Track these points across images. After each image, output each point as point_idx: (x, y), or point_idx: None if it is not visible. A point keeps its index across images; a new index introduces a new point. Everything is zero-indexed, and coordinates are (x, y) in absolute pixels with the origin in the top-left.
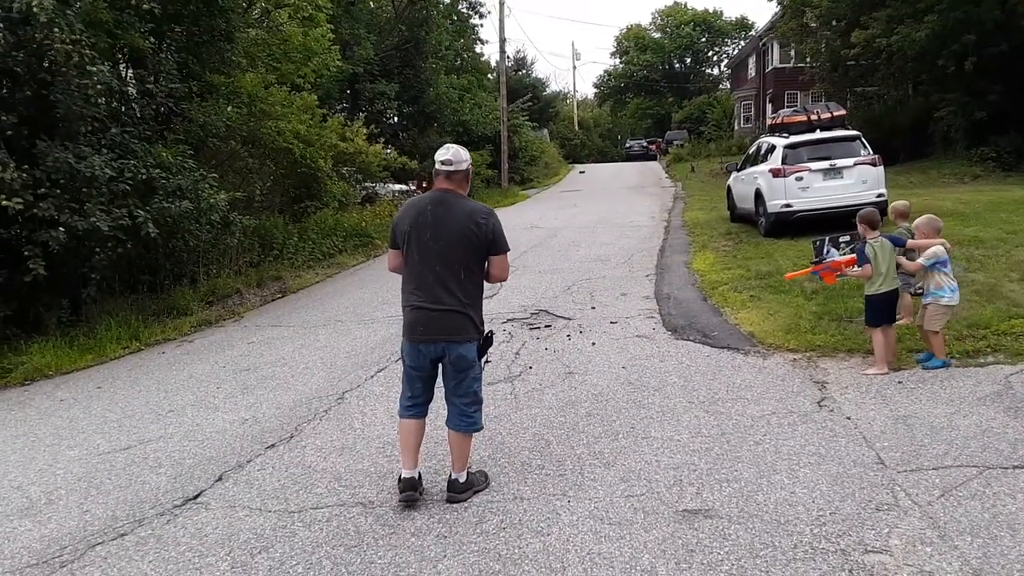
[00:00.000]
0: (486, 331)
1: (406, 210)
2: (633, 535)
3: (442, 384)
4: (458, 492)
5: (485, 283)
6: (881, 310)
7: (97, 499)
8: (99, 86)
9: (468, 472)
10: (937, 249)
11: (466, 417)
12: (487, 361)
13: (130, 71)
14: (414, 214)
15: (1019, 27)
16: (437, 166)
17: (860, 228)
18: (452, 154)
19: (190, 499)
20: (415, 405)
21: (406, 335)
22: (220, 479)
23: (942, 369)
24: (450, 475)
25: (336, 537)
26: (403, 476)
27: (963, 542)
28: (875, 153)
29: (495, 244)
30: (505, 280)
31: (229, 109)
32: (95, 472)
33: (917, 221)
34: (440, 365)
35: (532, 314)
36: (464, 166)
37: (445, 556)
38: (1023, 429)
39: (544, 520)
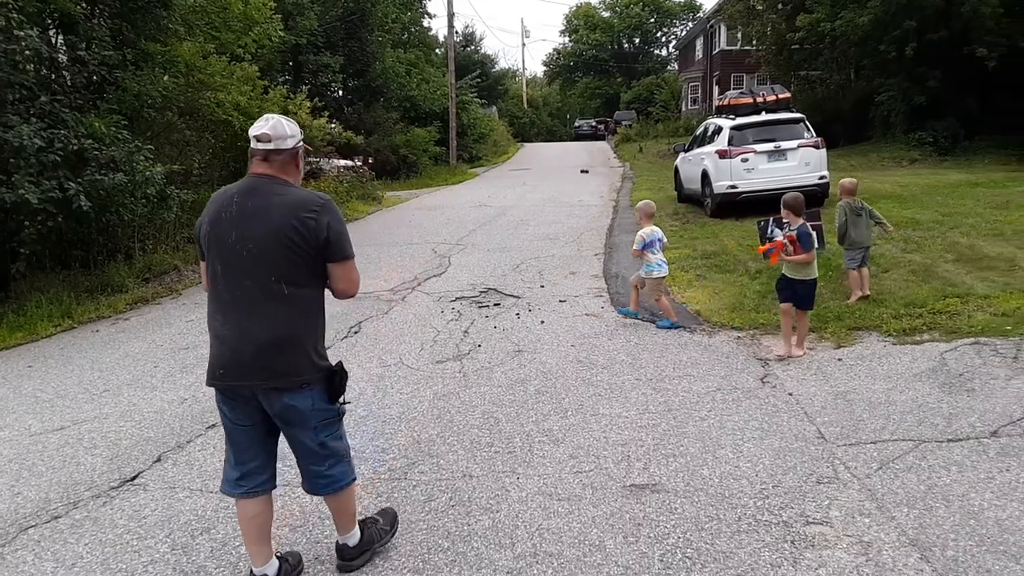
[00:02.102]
0: (334, 365)
1: (209, 204)
2: (582, 510)
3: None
4: (350, 559)
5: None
6: (814, 294)
7: (29, 481)
8: (27, 52)
9: (363, 527)
10: (644, 232)
11: (321, 478)
12: (345, 403)
13: (60, 37)
14: (215, 209)
15: (959, 14)
16: (252, 143)
17: (784, 213)
18: (271, 127)
19: (127, 480)
20: (248, 476)
21: (208, 378)
22: (159, 460)
23: (675, 329)
24: (337, 540)
25: (280, 517)
26: (253, 572)
27: (900, 513)
28: (818, 136)
29: (332, 248)
30: (353, 295)
31: (165, 79)
32: (27, 453)
33: (638, 205)
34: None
35: (481, 292)
36: (289, 143)
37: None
38: (957, 404)
39: (493, 497)
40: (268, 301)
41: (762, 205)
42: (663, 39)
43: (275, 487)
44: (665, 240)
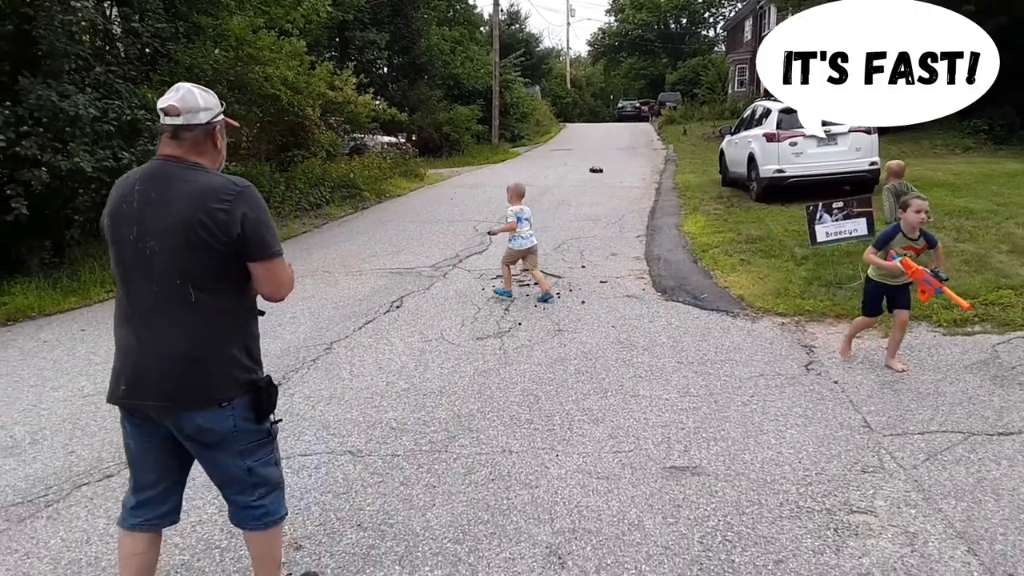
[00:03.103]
0: (261, 380)
1: (111, 192)
2: (621, 489)
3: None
4: None
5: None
6: None
7: (82, 440)
8: (83, 23)
9: None
10: (514, 208)
11: (251, 509)
12: (276, 421)
13: (115, 9)
14: (116, 198)
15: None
16: (160, 118)
17: (913, 219)
18: (179, 97)
19: None
20: (146, 505)
21: (109, 395)
22: None
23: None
24: None
25: (324, 484)
26: None
27: (947, 505)
28: None
29: (249, 245)
30: (282, 299)
31: (216, 52)
32: (80, 414)
33: (509, 185)
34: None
35: (522, 271)
36: (203, 118)
37: (434, 505)
38: (1009, 397)
39: (533, 473)
40: (176, 309)
41: (809, 190)
42: (711, 20)
43: (175, 522)
44: (530, 218)
